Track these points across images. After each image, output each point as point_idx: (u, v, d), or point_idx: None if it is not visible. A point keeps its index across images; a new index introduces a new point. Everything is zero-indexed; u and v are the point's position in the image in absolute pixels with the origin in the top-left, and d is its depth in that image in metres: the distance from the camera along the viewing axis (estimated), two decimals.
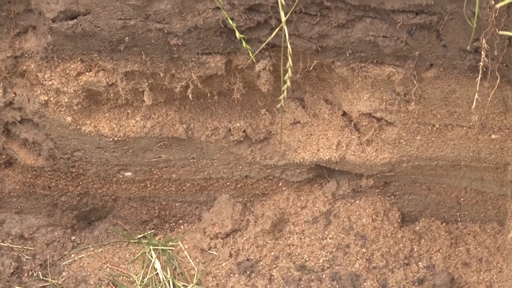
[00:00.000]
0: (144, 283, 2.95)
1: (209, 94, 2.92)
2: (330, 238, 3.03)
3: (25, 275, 2.99)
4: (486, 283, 2.95)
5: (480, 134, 2.75)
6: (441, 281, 2.96)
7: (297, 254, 3.01)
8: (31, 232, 3.03)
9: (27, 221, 3.05)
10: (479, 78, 2.51)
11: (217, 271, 3.06)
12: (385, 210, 3.00)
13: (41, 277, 3.00)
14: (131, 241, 3.02)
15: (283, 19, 2.43)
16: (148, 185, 3.08)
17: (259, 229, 3.00)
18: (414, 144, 2.94)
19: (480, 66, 2.48)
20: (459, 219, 3.00)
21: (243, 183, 3.05)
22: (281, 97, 2.61)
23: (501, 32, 2.36)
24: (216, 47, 2.72)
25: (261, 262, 2.99)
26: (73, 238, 3.10)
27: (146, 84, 2.81)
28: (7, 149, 3.12)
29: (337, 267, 3.00)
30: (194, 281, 2.94)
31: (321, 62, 2.79)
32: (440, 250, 2.99)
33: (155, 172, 3.14)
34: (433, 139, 2.88)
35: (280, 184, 3.04)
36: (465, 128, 2.76)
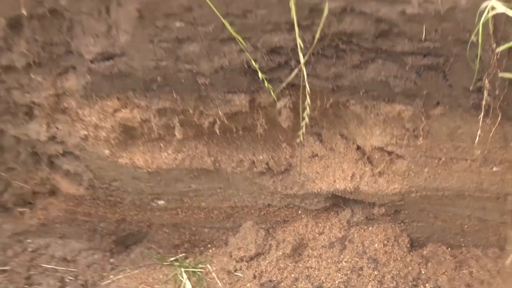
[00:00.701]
0: None
1: (234, 129, 2.85)
2: (345, 262, 2.98)
3: None
4: None
5: (483, 167, 2.71)
6: None
7: (315, 276, 2.96)
8: (73, 255, 2.99)
9: (69, 245, 2.99)
10: (481, 115, 2.48)
11: None
12: (395, 236, 2.97)
13: None
14: (164, 263, 2.97)
15: (302, 61, 2.41)
16: (179, 213, 3.03)
17: (281, 253, 2.95)
18: (422, 175, 2.87)
19: (483, 105, 2.46)
20: (463, 244, 2.97)
21: (265, 211, 3.01)
22: (300, 132, 2.59)
23: (501, 74, 2.33)
24: (241, 86, 2.65)
25: (282, 283, 2.93)
26: (111, 260, 3.06)
27: (177, 120, 2.75)
28: (51, 179, 3.02)
29: (351, 285, 2.96)
30: None
31: (337, 100, 2.74)
32: (446, 273, 2.94)
33: (185, 200, 3.01)
34: (439, 171, 2.82)
35: (299, 212, 3.00)
36: (468, 161, 2.71)
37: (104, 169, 2.83)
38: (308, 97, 2.53)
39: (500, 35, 2.26)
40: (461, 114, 2.61)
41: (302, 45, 2.38)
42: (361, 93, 2.70)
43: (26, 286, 2.97)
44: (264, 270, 2.96)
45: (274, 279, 2.94)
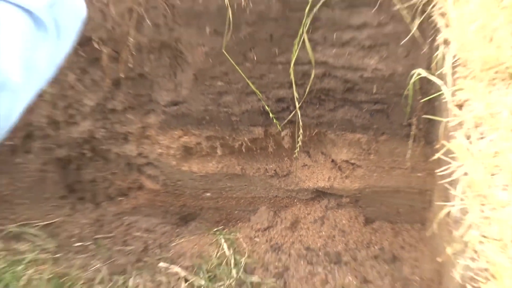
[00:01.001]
0: (217, 256, 2.86)
1: (254, 149, 2.88)
2: (323, 232, 3.02)
3: (149, 252, 2.95)
4: (414, 259, 2.85)
5: (412, 173, 2.72)
6: (388, 257, 2.88)
7: (305, 240, 2.99)
8: (153, 227, 3.02)
9: (150, 221, 3.04)
10: (411, 141, 2.51)
11: (259, 250, 2.94)
12: (355, 216, 3.00)
13: (158, 253, 2.95)
14: (210, 233, 3.01)
15: (297, 106, 2.47)
16: (219, 201, 3.09)
17: (283, 226, 3.00)
18: (372, 178, 2.87)
19: (411, 134, 2.48)
20: (399, 221, 3.00)
21: (274, 200, 3.06)
22: (296, 150, 2.67)
23: (424, 116, 2.38)
24: (258, 122, 2.70)
25: (284, 245, 2.94)
26: (176, 230, 3.07)
27: (218, 143, 2.80)
28: (139, 180, 3.08)
29: (327, 248, 2.95)
30: (246, 255, 2.90)
31: (319, 131, 2.75)
32: (387, 239, 2.98)
33: (223, 193, 3.08)
34: (384, 175, 2.83)
35: (295, 200, 3.06)
36: (402, 169, 2.72)
37: (172, 173, 2.88)
38: (300, 129, 2.57)
39: (423, 90, 2.27)
40: (398, 140, 2.59)
41: (297, 96, 2.45)
42: (334, 126, 2.73)
43: (123, 247, 2.97)
44: (272, 237, 3.01)
45: (279, 242, 2.97)
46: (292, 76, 2.34)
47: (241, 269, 2.93)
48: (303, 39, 2.15)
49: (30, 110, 2.73)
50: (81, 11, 1.08)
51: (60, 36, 1.02)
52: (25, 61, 0.91)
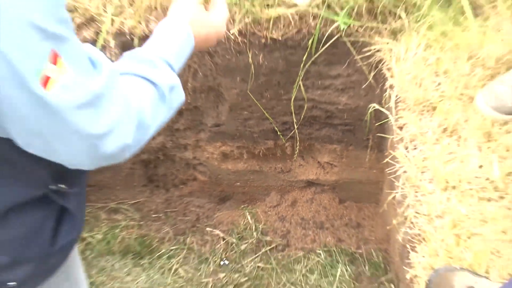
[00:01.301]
0: (244, 224, 2.89)
1: (268, 154, 2.74)
2: (313, 208, 2.97)
3: (200, 221, 2.97)
4: (371, 226, 2.86)
5: (369, 170, 2.63)
6: (354, 225, 2.88)
7: (300, 214, 2.95)
8: (202, 204, 2.99)
9: (201, 201, 3.01)
10: (369, 150, 2.48)
11: (270, 220, 2.91)
12: (333, 198, 2.94)
13: (206, 221, 2.96)
14: (239, 208, 2.98)
15: (295, 127, 2.42)
16: (245, 188, 2.99)
17: (286, 204, 2.97)
18: (344, 174, 2.76)
19: (369, 145, 2.45)
20: (361, 202, 2.92)
21: (280, 187, 2.99)
22: (295, 155, 2.66)
23: (377, 134, 2.30)
24: (270, 137, 2.60)
25: (287, 217, 2.93)
26: (217, 207, 3.04)
27: (244, 150, 2.70)
28: (194, 174, 2.90)
29: (315, 219, 2.92)
30: (262, 223, 2.90)
31: (310, 143, 2.66)
32: (354, 213, 2.92)
33: (248, 183, 2.95)
34: (351, 172, 2.77)
35: (294, 188, 2.98)
36: (364, 168, 2.65)
37: (215, 170, 2.84)
38: (298, 142, 2.54)
39: (377, 117, 2.07)
40: (360, 149, 2.57)
41: (295, 121, 2.41)
42: (319, 140, 2.65)
43: (183, 217, 2.96)
44: (279, 211, 2.98)
45: (284, 215, 2.95)
46: (292, 108, 2.32)
47: (259, 232, 2.93)
48: (299, 85, 2.14)
49: None
50: (182, 96, 1.06)
51: (171, 108, 1.02)
52: (152, 112, 0.92)
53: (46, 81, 0.67)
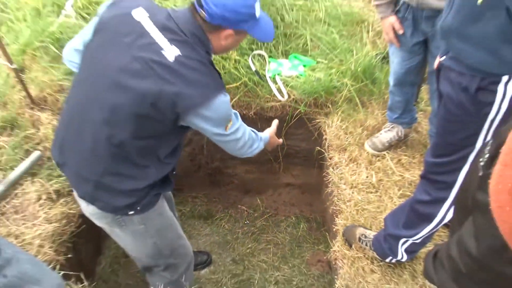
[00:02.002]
0: (255, 204, 3.23)
1: (267, 171, 3.09)
2: (289, 196, 3.29)
3: (235, 202, 3.28)
4: (317, 205, 3.10)
5: (316, 178, 2.85)
6: (308, 204, 3.15)
7: (283, 199, 3.29)
8: (236, 194, 3.31)
9: (236, 192, 3.28)
10: (315, 169, 2.83)
11: (269, 201, 3.33)
12: (299, 191, 3.23)
13: (237, 202, 3.22)
14: (253, 196, 3.24)
15: (281, 158, 2.85)
16: (257, 187, 3.28)
17: (276, 194, 3.27)
18: (304, 179, 3.13)
19: (315, 166, 2.80)
20: (312, 193, 3.07)
21: (273, 186, 3.29)
22: (280, 171, 3.02)
23: (320, 161, 2.65)
24: (269, 162, 2.92)
25: (276, 200, 3.29)
26: (243, 195, 3.30)
27: (256, 169, 3.04)
28: (232, 179, 3.21)
29: (290, 201, 3.25)
30: (264, 203, 3.21)
31: (287, 165, 3.04)
32: (308, 199, 3.14)
33: (258, 184, 3.26)
34: (307, 178, 3.07)
35: (279, 186, 3.29)
36: (313, 177, 2.94)
37: (243, 178, 3.22)
38: (282, 164, 3.00)
39: (319, 153, 2.52)
40: (311, 168, 2.94)
41: (281, 155, 2.81)
42: (292, 164, 3.01)
43: (227, 200, 3.35)
44: (273, 197, 3.27)
45: (275, 199, 3.27)
46: (279, 149, 2.72)
47: (263, 207, 3.26)
48: (283, 137, 2.47)
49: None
50: (260, 149, 1.59)
51: (255, 150, 1.56)
52: (252, 148, 1.51)
53: (226, 127, 1.29)
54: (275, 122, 1.79)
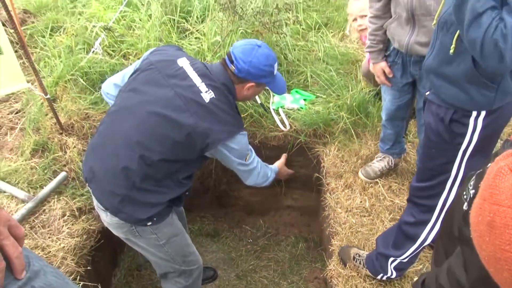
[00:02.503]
0: (258, 224, 3.20)
1: (270, 194, 3.05)
2: (289, 217, 3.23)
3: (239, 222, 3.26)
4: (314, 226, 3.05)
5: (314, 202, 2.85)
6: (306, 225, 3.12)
7: (283, 220, 3.24)
8: (240, 214, 3.26)
9: (240, 212, 3.23)
10: (314, 193, 2.81)
11: (270, 222, 3.28)
12: (298, 213, 3.19)
13: (241, 222, 3.23)
14: (256, 217, 3.20)
15: (283, 183, 2.89)
16: (260, 208, 3.22)
17: (277, 215, 3.21)
18: (303, 202, 3.07)
19: (314, 191, 2.76)
20: (311, 215, 3.02)
21: (275, 208, 3.23)
22: (282, 194, 3.00)
23: (318, 187, 2.62)
24: (273, 187, 2.89)
25: (278, 221, 3.24)
26: (247, 215, 3.26)
27: (260, 192, 3.00)
28: (237, 201, 3.17)
29: (290, 222, 3.19)
30: (266, 223, 3.18)
31: (288, 190, 3.02)
32: (306, 220, 3.10)
33: (261, 205, 3.21)
34: (306, 202, 3.02)
35: (281, 208, 3.22)
36: (311, 200, 2.91)
37: (247, 200, 3.19)
38: (283, 189, 2.96)
39: (317, 179, 2.52)
40: (310, 192, 2.91)
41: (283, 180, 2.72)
42: (293, 188, 3.01)
43: (232, 219, 3.31)
44: (274, 218, 3.22)
45: (277, 220, 3.21)
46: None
47: (265, 227, 3.21)
48: None
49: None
50: (270, 180, 1.55)
51: (266, 180, 1.66)
52: (264, 179, 1.63)
53: (246, 158, 1.53)
54: (284, 156, 2.03)
